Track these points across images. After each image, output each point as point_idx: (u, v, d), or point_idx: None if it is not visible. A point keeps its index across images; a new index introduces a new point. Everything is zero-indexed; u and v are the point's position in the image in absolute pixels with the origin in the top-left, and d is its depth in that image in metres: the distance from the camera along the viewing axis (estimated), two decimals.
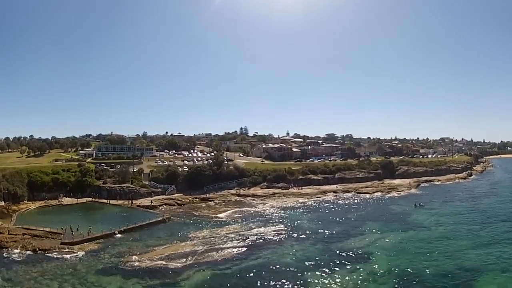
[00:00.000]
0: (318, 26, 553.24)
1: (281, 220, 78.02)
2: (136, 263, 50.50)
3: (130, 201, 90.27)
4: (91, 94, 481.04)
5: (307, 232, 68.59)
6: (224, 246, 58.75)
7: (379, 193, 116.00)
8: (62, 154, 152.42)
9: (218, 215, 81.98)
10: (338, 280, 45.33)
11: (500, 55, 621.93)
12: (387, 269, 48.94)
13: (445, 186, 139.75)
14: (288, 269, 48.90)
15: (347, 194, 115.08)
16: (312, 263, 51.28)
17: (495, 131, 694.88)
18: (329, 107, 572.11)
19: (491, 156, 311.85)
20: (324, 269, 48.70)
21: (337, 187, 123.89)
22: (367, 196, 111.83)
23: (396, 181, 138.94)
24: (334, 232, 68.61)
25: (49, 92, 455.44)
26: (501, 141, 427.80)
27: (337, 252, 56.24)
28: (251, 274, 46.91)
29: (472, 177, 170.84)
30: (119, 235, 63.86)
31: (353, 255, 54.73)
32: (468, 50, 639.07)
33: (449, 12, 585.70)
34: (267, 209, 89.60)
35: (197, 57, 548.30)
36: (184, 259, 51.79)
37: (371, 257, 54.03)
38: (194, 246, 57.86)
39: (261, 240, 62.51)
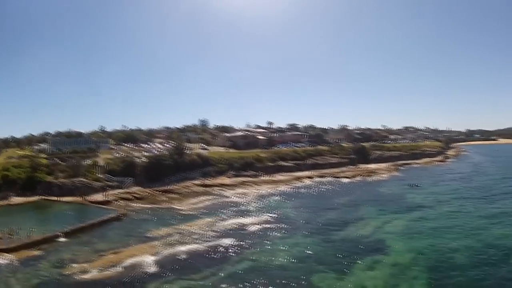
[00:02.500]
0: (278, 14, 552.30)
1: (260, 210, 67.17)
2: (82, 275, 37.24)
3: (82, 197, 79.80)
4: (50, 91, 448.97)
5: (296, 221, 58.15)
6: (194, 246, 45.74)
7: (359, 177, 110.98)
8: (17, 151, 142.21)
9: (183, 208, 69.72)
10: (358, 280, 35.11)
11: (460, 46, 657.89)
12: (412, 258, 40.40)
13: (425, 168, 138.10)
14: (285, 273, 37.27)
15: (323, 179, 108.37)
16: (315, 261, 40.43)
17: (461, 121, 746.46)
18: (290, 99, 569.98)
19: (459, 143, 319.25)
20: (333, 267, 38.08)
21: (311, 173, 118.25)
22: (347, 180, 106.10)
23: (372, 166, 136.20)
24: (327, 220, 58.68)
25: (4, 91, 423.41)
26: (468, 129, 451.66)
27: (341, 244, 46.29)
28: (238, 285, 34.63)
29: (449, 160, 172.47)
30: (64, 239, 50.67)
31: (363, 246, 44.96)
32: (429, 41, 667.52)
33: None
34: (240, 199, 79.02)
35: (156, 51, 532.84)
36: (143, 268, 38.87)
37: (385, 246, 44.81)
38: (155, 249, 44.71)
39: (241, 236, 50.37)
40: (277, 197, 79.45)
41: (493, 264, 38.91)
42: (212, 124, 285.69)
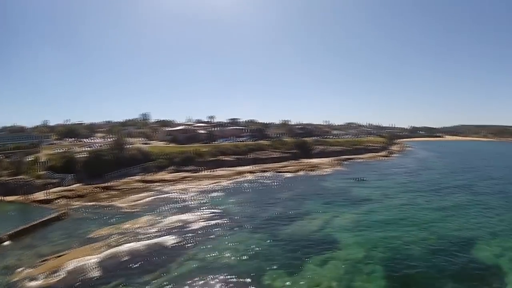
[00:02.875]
0: (224, 9, 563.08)
1: (203, 206, 64.86)
2: (28, 283, 34.29)
3: (24, 196, 77.42)
4: None
5: (241, 217, 56.38)
6: (137, 246, 43.41)
7: (302, 172, 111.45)
8: None
9: (124, 206, 67.29)
10: (312, 277, 34.15)
11: (405, 47, 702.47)
12: (365, 252, 40.52)
13: (370, 163, 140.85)
14: (234, 272, 35.55)
15: (266, 174, 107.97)
16: (264, 259, 38.92)
17: (405, 118, 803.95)
18: (231, 93, 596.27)
19: (402, 139, 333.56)
20: (284, 265, 36.92)
21: (253, 167, 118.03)
22: (290, 175, 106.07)
23: (315, 160, 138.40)
24: (273, 215, 57.43)
25: None
26: (412, 126, 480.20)
27: (290, 240, 45.00)
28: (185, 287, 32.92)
29: (394, 155, 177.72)
30: (8, 242, 47.49)
31: (312, 242, 44.10)
32: (374, 41, 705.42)
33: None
34: (182, 195, 76.76)
35: (98, 44, 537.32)
36: (86, 272, 36.15)
37: (336, 241, 44.42)
38: (98, 250, 41.90)
39: (184, 234, 48.09)
40: (219, 193, 77.40)
41: (450, 256, 39.50)
42: (153, 118, 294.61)
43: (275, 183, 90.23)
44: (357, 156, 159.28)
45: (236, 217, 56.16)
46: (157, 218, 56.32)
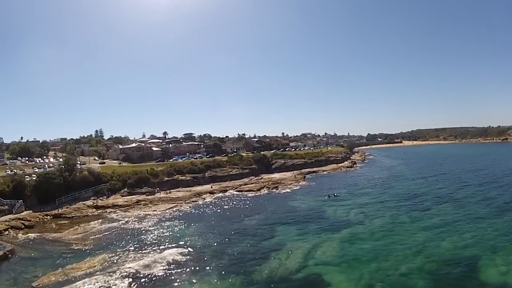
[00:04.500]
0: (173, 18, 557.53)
1: (160, 239, 56.44)
2: None
3: None
4: None
5: (206, 255, 48.07)
6: None
7: (266, 190, 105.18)
8: None
9: (75, 239, 59.03)
10: None
11: (357, 57, 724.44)
12: None
13: (335, 175, 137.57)
14: None
15: (226, 193, 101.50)
16: None
17: (359, 125, 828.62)
18: (185, 108, 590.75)
19: (361, 147, 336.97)
20: None
21: (211, 186, 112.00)
22: (252, 194, 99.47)
23: (276, 176, 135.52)
24: (242, 249, 49.49)
25: None
26: (369, 134, 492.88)
27: (268, 285, 37.47)
28: None
29: (358, 165, 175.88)
30: None
31: (296, 286, 37.06)
32: (323, 51, 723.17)
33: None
34: (137, 224, 68.73)
35: (52, 56, 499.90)
36: None
37: (324, 283, 37.72)
38: None
39: (141, 281, 39.87)
40: (178, 221, 69.31)
41: (456, 282, 36.43)
42: (108, 134, 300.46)
43: (238, 205, 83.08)
44: (320, 169, 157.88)
45: (200, 255, 47.78)
46: (110, 257, 47.94)
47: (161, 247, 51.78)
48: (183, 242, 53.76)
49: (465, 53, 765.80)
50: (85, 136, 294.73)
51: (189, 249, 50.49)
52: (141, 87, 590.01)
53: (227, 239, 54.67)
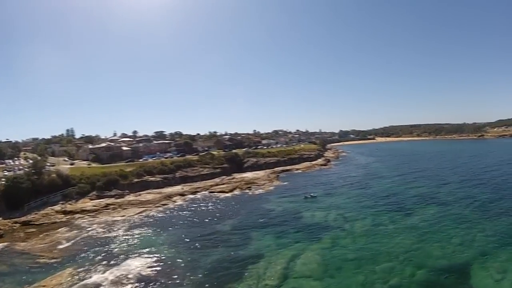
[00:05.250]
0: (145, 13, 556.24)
1: (130, 249, 52.40)
2: None
3: None
4: None
5: (178, 268, 43.97)
6: None
7: (238, 191, 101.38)
8: None
9: (42, 252, 54.49)
10: None
11: (329, 54, 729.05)
12: None
13: (309, 174, 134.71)
14: None
15: (198, 195, 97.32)
16: None
17: (331, 122, 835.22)
18: (156, 105, 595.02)
19: (333, 144, 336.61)
20: None
21: (182, 188, 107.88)
22: (225, 195, 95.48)
23: (249, 175, 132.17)
24: (217, 260, 45.94)
25: None
26: (341, 130, 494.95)
27: None
28: None
29: (332, 163, 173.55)
30: None
31: None
32: (297, 46, 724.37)
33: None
34: (106, 232, 64.19)
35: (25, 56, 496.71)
36: None
37: None
38: None
39: None
40: (148, 228, 64.88)
41: None
42: (80, 133, 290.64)
43: (210, 209, 78.95)
44: (294, 167, 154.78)
45: (171, 268, 43.89)
46: (78, 272, 44.50)
47: (130, 260, 47.85)
48: (153, 253, 49.71)
49: (440, 51, 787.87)
50: (57, 135, 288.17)
51: (160, 261, 46.78)
52: (114, 84, 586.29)
53: (199, 249, 50.88)
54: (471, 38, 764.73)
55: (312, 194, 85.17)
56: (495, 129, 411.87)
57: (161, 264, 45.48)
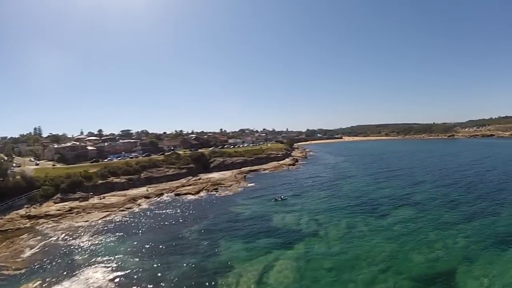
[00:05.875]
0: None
1: (92, 261, 48.33)
2: None
3: None
4: None
5: (142, 282, 40.43)
6: None
7: (205, 193, 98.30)
8: None
9: (6, 263, 51.02)
10: None
11: (298, 54, 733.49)
12: None
13: (277, 175, 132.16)
14: None
15: (163, 197, 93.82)
16: None
17: (298, 121, 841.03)
18: (122, 103, 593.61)
19: (301, 143, 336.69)
20: None
21: (147, 189, 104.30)
22: (191, 197, 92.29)
23: (215, 175, 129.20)
24: (183, 271, 42.45)
25: None
26: (308, 129, 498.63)
27: None
28: None
29: (299, 163, 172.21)
30: None
31: None
32: (264, 45, 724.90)
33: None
34: (70, 239, 60.23)
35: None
36: None
37: None
38: None
39: None
40: (112, 234, 60.94)
41: None
42: (47, 132, 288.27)
43: (177, 212, 74.98)
44: (261, 167, 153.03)
45: (135, 282, 40.31)
46: (41, 285, 41.52)
47: (92, 271, 44.30)
48: (116, 264, 46.04)
49: (408, 52, 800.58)
50: (25, 134, 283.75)
51: (123, 271, 43.34)
52: (82, 81, 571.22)
53: (165, 259, 47.07)
54: (440, 40, 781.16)
55: (282, 197, 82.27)
56: (466, 129, 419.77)
57: (123, 275, 42.13)
